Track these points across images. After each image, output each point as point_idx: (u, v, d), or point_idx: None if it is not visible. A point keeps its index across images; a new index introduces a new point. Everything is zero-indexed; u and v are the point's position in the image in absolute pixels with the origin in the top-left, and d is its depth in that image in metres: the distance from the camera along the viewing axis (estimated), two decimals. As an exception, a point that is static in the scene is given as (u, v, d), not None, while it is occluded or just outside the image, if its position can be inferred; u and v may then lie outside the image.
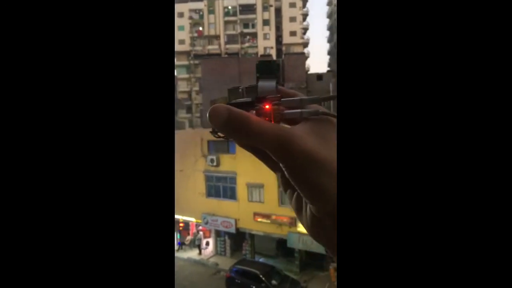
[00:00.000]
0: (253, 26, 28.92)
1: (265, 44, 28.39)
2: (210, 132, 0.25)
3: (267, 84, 0.26)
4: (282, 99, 0.26)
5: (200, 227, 11.57)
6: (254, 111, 0.25)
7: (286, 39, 28.99)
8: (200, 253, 11.43)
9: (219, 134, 0.25)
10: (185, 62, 28.30)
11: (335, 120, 0.26)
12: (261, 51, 27.30)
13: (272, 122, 0.24)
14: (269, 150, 0.23)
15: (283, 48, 27.40)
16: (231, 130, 0.23)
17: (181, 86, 26.65)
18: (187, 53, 28.50)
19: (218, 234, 11.30)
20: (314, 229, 0.25)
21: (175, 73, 26.58)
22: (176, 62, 29.28)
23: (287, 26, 29.08)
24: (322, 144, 0.23)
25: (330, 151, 0.23)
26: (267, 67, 0.26)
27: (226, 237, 11.11)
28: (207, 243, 11.66)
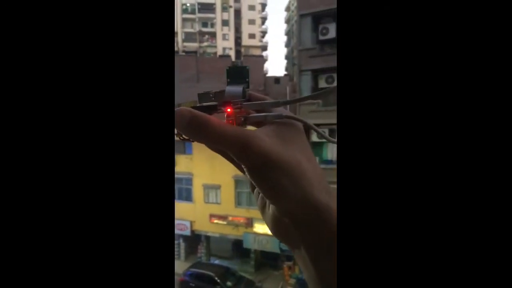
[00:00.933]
0: (212, 25, 28.63)
1: (224, 45, 28.26)
2: (176, 134, 0.25)
3: (234, 89, 0.27)
4: (244, 103, 0.26)
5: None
6: (216, 115, 0.25)
7: (245, 41, 29.19)
8: (152, 257, 10.93)
9: (184, 136, 0.25)
10: (140, 58, 26.92)
11: (299, 123, 0.27)
12: (220, 51, 27.11)
13: (234, 125, 0.25)
14: (231, 152, 0.23)
15: (242, 50, 27.54)
16: (193, 133, 0.23)
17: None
18: (141, 49, 27.15)
19: (172, 237, 10.93)
20: (275, 228, 0.26)
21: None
22: (130, 57, 27.60)
23: (246, 28, 29.29)
24: (283, 146, 0.24)
25: (292, 153, 0.24)
26: (237, 73, 0.27)
27: (181, 240, 10.80)
28: (160, 247, 11.20)
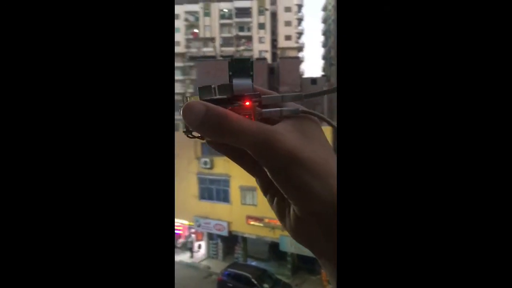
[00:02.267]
0: (249, 29, 29.01)
1: (261, 48, 28.49)
2: (183, 132, 0.24)
3: (243, 82, 0.25)
4: (264, 96, 0.25)
5: (193, 230, 11.48)
6: (231, 109, 0.23)
7: (281, 43, 29.16)
8: (192, 256, 11.32)
9: (194, 134, 0.23)
10: (180, 64, 28.22)
11: (316, 119, 0.25)
12: (256, 54, 27.39)
13: (253, 120, 0.23)
14: (250, 149, 0.22)
15: (278, 52, 27.54)
16: (209, 128, 0.21)
17: (176, 88, 26.54)
18: (181, 55, 28.43)
19: (210, 237, 11.22)
20: (297, 231, 0.24)
21: (170, 75, 26.33)
22: (171, 64, 29.01)
23: (282, 30, 29.26)
24: (304, 142, 0.22)
25: (313, 150, 0.22)
26: (241, 66, 0.25)
27: (219, 240, 11.03)
28: (199, 246, 11.56)
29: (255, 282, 8.26)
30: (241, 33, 28.99)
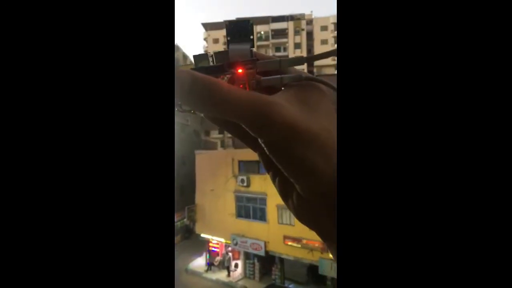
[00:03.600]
0: (285, 49, 29.55)
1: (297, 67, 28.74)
2: (176, 105, 0.21)
3: (240, 47, 0.22)
4: (259, 62, 0.22)
5: (229, 248, 11.46)
6: (224, 78, 0.21)
7: (318, 60, 29.15)
8: (229, 275, 11.24)
9: (183, 107, 0.21)
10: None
11: (321, 85, 0.22)
12: (292, 73, 27.62)
13: (247, 90, 0.21)
14: (245, 123, 0.19)
15: (315, 70, 27.55)
16: (196, 99, 0.19)
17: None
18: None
19: (247, 256, 11.10)
20: (301, 212, 0.22)
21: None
22: (210, 85, 30.33)
23: (318, 49, 29.37)
24: (307, 114, 0.20)
25: (317, 122, 0.20)
26: (240, 28, 0.22)
27: (255, 260, 10.87)
28: (236, 265, 11.47)
29: (293, 306, 7.92)
30: (278, 54, 29.60)
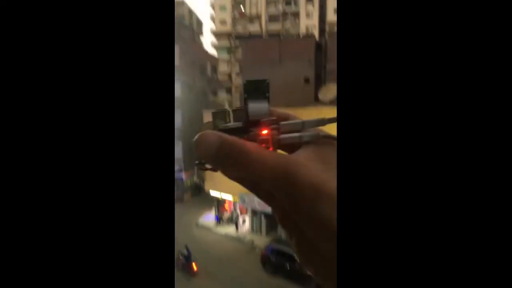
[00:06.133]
0: (295, 3, 27.87)
1: (308, 23, 27.32)
2: (196, 164, 0.22)
3: (259, 106, 0.23)
4: (282, 123, 0.23)
5: (238, 205, 11.99)
6: (247, 138, 0.22)
7: (330, 16, 27.57)
8: (237, 229, 11.91)
9: (207, 166, 0.22)
10: (226, 44, 28.39)
11: (336, 143, 0.22)
12: (303, 30, 26.38)
13: (271, 150, 0.22)
14: (270, 183, 0.20)
15: (327, 27, 26.16)
16: (224, 161, 0.20)
17: (222, 68, 26.94)
18: (228, 35, 28.51)
19: (254, 213, 11.63)
20: (307, 254, 0.22)
21: (216, 55, 26.86)
22: (217, 44, 29.46)
23: (331, 3, 27.57)
24: (328, 173, 0.20)
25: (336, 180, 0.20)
26: (256, 87, 0.23)
27: (262, 217, 11.40)
28: (244, 221, 12.09)
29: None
30: (288, 9, 27.98)
